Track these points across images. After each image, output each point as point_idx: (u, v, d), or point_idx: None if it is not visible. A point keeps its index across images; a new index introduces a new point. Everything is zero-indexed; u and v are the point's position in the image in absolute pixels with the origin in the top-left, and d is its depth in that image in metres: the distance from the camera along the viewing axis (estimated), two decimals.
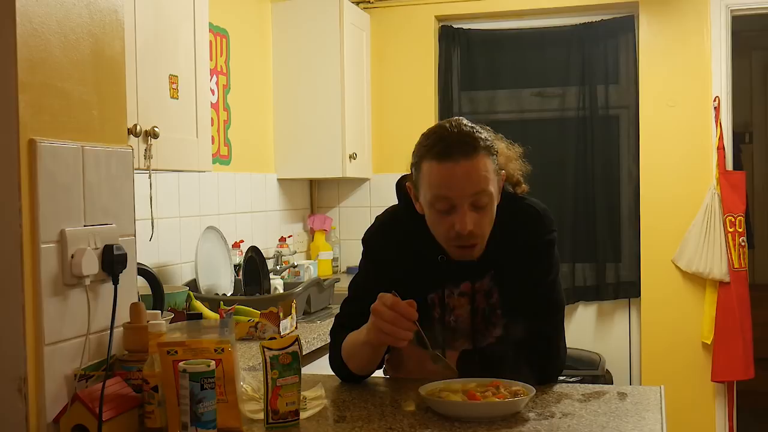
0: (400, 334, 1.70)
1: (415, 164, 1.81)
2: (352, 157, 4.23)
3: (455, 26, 4.59)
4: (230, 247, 3.44)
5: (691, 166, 4.24)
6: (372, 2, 4.61)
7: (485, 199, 1.77)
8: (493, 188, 1.78)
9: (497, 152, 1.82)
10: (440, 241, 1.84)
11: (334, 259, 4.51)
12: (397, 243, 1.93)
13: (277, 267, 3.79)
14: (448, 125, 1.80)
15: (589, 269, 4.42)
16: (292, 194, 4.43)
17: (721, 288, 4.14)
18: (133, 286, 1.76)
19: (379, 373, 1.98)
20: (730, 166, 4.22)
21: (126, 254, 1.67)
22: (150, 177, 2.48)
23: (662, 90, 4.28)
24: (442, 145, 1.75)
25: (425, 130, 1.84)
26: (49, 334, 1.51)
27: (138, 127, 2.39)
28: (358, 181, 4.65)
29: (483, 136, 1.78)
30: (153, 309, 2.05)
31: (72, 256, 1.55)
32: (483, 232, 1.80)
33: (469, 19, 4.59)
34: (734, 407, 4.26)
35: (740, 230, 4.13)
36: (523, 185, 1.95)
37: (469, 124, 1.81)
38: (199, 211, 3.46)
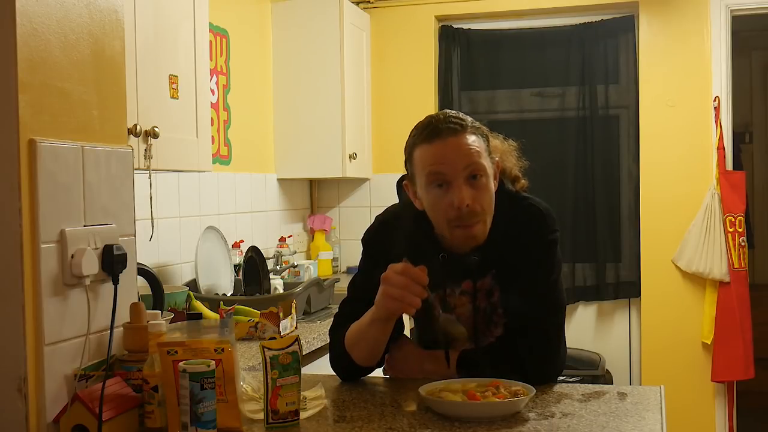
0: (409, 299, 1.70)
1: (408, 157, 1.86)
2: (352, 157, 4.23)
3: (455, 26, 4.59)
4: (230, 247, 3.44)
5: (691, 166, 4.24)
6: (372, 2, 4.61)
7: (479, 172, 1.79)
8: (487, 164, 1.80)
9: (487, 136, 1.86)
10: (441, 227, 1.84)
11: (334, 259, 4.51)
12: (398, 242, 1.92)
13: (277, 267, 3.79)
14: (434, 114, 1.87)
15: (589, 269, 4.43)
16: (292, 194, 4.43)
17: (721, 288, 4.14)
18: (133, 286, 1.76)
19: (379, 373, 1.98)
20: (730, 166, 4.22)
21: (126, 254, 1.67)
22: (150, 177, 2.48)
23: (662, 90, 4.28)
24: (429, 129, 1.81)
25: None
26: (49, 334, 1.51)
27: (138, 127, 2.39)
28: (358, 181, 4.65)
29: (470, 120, 1.84)
30: (153, 309, 2.05)
31: (72, 256, 1.55)
32: (483, 208, 1.80)
33: (469, 19, 4.59)
34: (734, 407, 4.27)
35: (740, 230, 4.13)
36: (522, 180, 1.95)
37: (457, 113, 1.86)
38: (199, 211, 3.46)
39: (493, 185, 1.83)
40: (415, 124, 1.87)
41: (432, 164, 1.79)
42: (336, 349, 1.92)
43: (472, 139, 1.80)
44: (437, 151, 1.78)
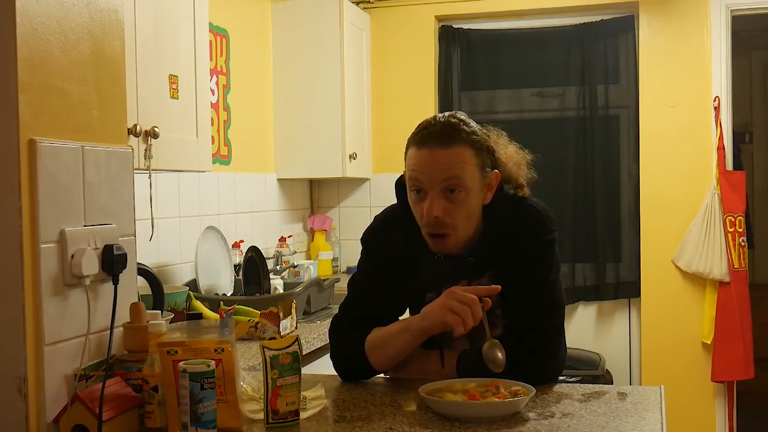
0: (469, 318, 1.72)
1: (405, 154, 1.87)
2: (352, 157, 4.23)
3: (455, 26, 4.59)
4: (230, 247, 3.44)
5: (691, 166, 4.24)
6: (372, 2, 4.61)
7: (457, 187, 1.78)
8: (470, 180, 1.79)
9: (490, 149, 1.84)
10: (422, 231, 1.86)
11: (334, 259, 4.51)
12: (396, 242, 1.93)
13: (277, 267, 3.79)
14: (439, 116, 1.86)
15: (589, 269, 4.42)
16: (292, 194, 4.43)
17: (721, 288, 4.14)
18: (133, 286, 1.76)
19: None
20: (730, 166, 4.22)
21: (126, 254, 1.67)
22: (150, 177, 2.48)
23: (662, 90, 4.28)
24: (423, 133, 1.82)
25: None
26: (49, 334, 1.51)
27: (138, 127, 2.39)
28: (358, 181, 4.65)
29: (470, 130, 1.82)
30: (153, 309, 2.05)
31: (72, 256, 1.55)
32: (454, 222, 1.81)
33: (469, 19, 4.59)
34: (734, 407, 4.27)
35: (740, 230, 4.13)
36: (525, 189, 1.95)
37: (462, 118, 1.84)
38: (199, 211, 3.46)
39: (477, 200, 1.82)
40: (420, 120, 1.88)
41: (413, 169, 1.81)
42: (337, 354, 1.92)
43: (462, 152, 1.78)
44: (421, 157, 1.80)
